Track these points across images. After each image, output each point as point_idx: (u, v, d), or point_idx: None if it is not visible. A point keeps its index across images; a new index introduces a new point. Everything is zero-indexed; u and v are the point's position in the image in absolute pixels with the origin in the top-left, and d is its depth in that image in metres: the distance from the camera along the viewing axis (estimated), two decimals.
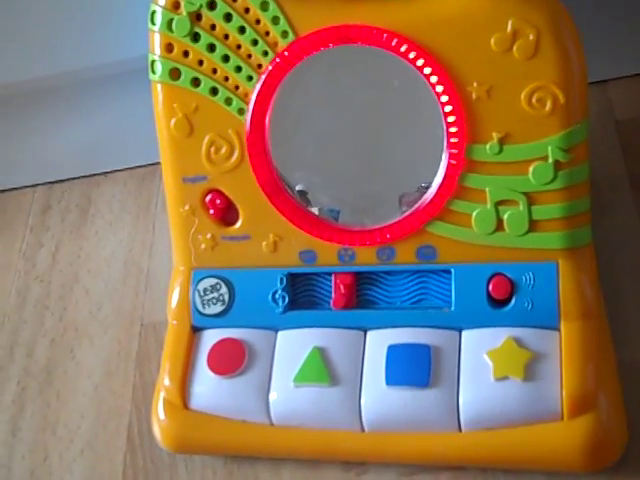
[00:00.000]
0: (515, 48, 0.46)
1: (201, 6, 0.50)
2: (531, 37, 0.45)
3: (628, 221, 0.56)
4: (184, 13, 0.50)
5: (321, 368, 0.51)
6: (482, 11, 0.46)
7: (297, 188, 0.53)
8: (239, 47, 0.50)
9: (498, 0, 0.46)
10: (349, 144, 0.52)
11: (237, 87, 0.51)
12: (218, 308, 0.54)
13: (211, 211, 0.53)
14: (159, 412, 0.54)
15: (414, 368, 0.49)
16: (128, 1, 0.58)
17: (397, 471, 0.52)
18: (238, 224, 0.53)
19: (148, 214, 0.69)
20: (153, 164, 0.70)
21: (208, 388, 0.53)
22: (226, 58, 0.50)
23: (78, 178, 0.73)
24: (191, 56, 0.51)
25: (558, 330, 0.48)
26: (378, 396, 0.49)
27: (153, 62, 0.52)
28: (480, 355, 0.49)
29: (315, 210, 0.52)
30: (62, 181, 0.73)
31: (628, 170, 0.59)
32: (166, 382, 0.53)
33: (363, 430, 0.50)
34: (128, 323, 0.63)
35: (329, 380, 0.50)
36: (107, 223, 0.70)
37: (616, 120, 0.61)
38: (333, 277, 0.52)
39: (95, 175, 0.72)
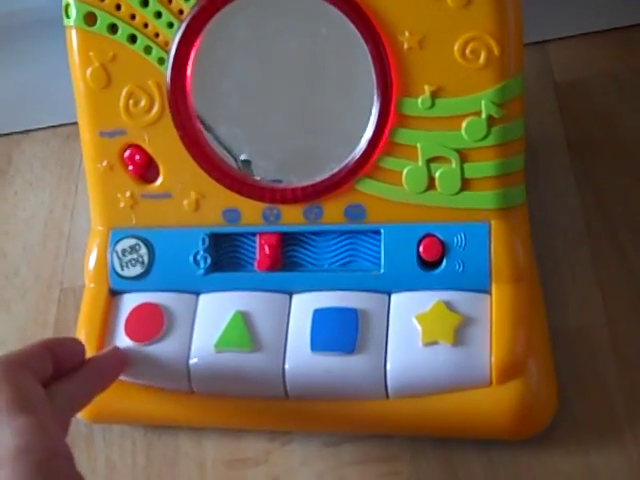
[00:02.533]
0: None
1: None
2: None
3: (564, 184, 0.55)
4: None
5: (243, 333, 0.48)
6: None
7: (241, 157, 0.50)
8: None
9: None
10: (275, 96, 0.49)
11: (157, 34, 0.48)
12: (137, 270, 0.51)
13: (130, 167, 0.50)
14: None
15: (340, 333, 0.47)
16: None
17: (322, 441, 0.50)
18: (158, 181, 0.50)
19: (71, 175, 0.66)
20: (77, 122, 0.66)
21: (127, 356, 0.50)
22: (145, 2, 0.47)
23: None
24: (108, 0, 0.48)
25: (489, 293, 0.46)
26: (303, 362, 0.47)
27: (67, 5, 0.49)
28: (409, 319, 0.46)
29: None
30: None
31: (566, 133, 0.57)
32: None
33: (287, 397, 0.48)
34: (46, 288, 0.61)
35: (252, 345, 0.48)
36: (27, 183, 0.66)
37: (555, 82, 0.60)
38: (258, 238, 0.50)
39: (15, 133, 0.69)
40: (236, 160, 0.50)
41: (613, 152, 0.56)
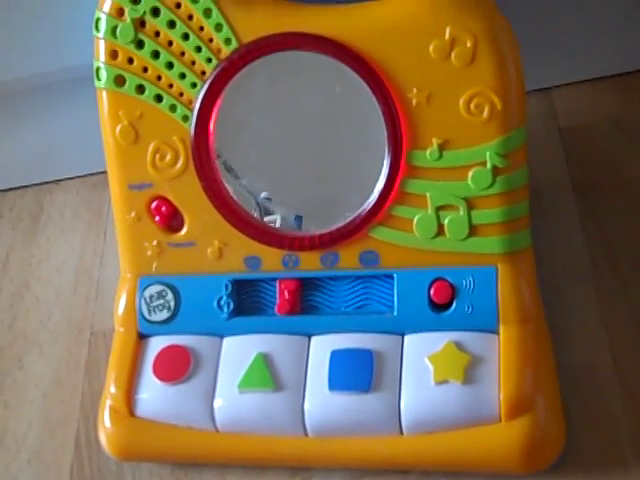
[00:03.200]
0: (453, 55, 0.46)
1: (145, 13, 0.50)
2: (468, 44, 0.46)
3: (570, 226, 0.57)
4: (128, 20, 0.50)
5: (265, 373, 0.51)
6: (421, 18, 0.47)
7: (262, 195, 0.53)
8: (183, 54, 0.50)
9: (436, 8, 0.47)
10: (293, 150, 0.52)
11: (181, 94, 0.51)
12: (164, 315, 0.54)
13: (157, 218, 0.53)
14: (105, 420, 0.54)
15: (356, 373, 0.49)
16: (76, 8, 0.58)
17: (342, 475, 0.52)
18: (183, 230, 0.53)
19: (100, 221, 0.69)
20: (105, 172, 0.69)
21: (154, 395, 0.52)
22: (170, 65, 0.51)
23: (30, 186, 0.72)
24: (135, 63, 0.51)
25: (497, 334, 0.49)
26: (321, 401, 0.50)
27: (98, 69, 0.52)
28: (421, 359, 0.49)
29: (278, 217, 0.53)
30: (13, 189, 0.72)
31: (570, 176, 0.59)
32: (112, 390, 0.53)
33: (307, 435, 0.50)
34: (78, 331, 0.63)
35: (273, 385, 0.50)
36: (59, 230, 0.69)
37: (560, 127, 0.62)
38: (278, 283, 0.52)
39: (47, 183, 0.72)
40: (256, 198, 0.53)
41: (617, 194, 0.58)
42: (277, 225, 0.52)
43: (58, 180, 0.72)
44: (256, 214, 0.53)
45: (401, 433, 0.49)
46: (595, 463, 0.49)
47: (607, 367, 0.51)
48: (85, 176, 0.72)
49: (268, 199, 0.53)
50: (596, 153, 0.60)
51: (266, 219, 0.53)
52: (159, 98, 0.51)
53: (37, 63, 0.62)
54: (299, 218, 0.52)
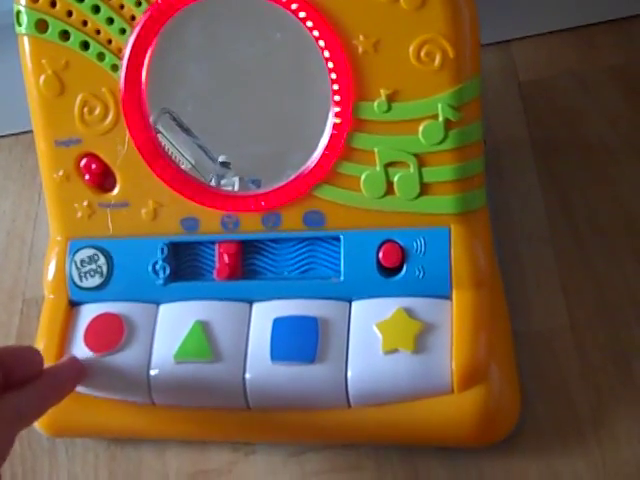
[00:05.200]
0: None
1: None
2: None
3: (528, 184, 0.54)
4: None
5: (203, 343, 0.48)
6: None
7: (220, 159, 0.50)
8: None
9: None
10: (230, 102, 0.49)
11: (109, 41, 0.47)
12: (96, 281, 0.51)
13: (87, 176, 0.50)
14: None
15: (300, 342, 0.46)
16: None
17: (287, 451, 0.49)
18: (115, 190, 0.50)
19: (34, 183, 0.65)
20: None
21: (86, 367, 0.49)
22: (96, 8, 0.47)
23: None
24: (59, 6, 0.47)
25: (450, 299, 0.46)
26: (263, 372, 0.47)
27: (18, 13, 0.48)
28: (369, 327, 0.46)
29: (236, 180, 0.49)
30: None
31: (530, 132, 0.57)
32: None
33: (248, 408, 0.47)
34: (9, 299, 0.60)
35: (212, 355, 0.47)
36: None
37: (519, 81, 0.59)
38: (216, 246, 0.49)
39: None
40: (214, 161, 0.50)
41: (577, 151, 0.55)
42: (235, 187, 0.49)
43: None
44: (213, 177, 0.49)
45: (348, 405, 0.46)
46: (552, 433, 0.47)
47: (565, 334, 0.49)
48: (18, 134, 0.68)
49: (226, 163, 0.50)
50: (555, 108, 0.57)
51: (223, 182, 0.50)
52: (85, 45, 0.47)
53: None
54: (257, 181, 0.49)
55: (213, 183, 0.50)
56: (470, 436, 0.45)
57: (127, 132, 0.48)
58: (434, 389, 0.45)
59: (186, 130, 0.49)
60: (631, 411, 0.46)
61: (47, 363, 0.49)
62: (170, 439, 0.51)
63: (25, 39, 0.48)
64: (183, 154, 0.50)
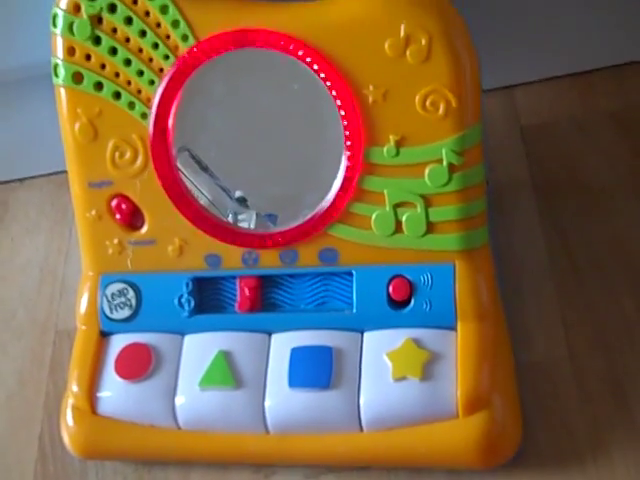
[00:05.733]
0: (408, 52, 0.47)
1: (102, 9, 0.50)
2: (423, 42, 0.46)
3: (530, 223, 0.58)
4: (85, 16, 0.50)
5: (226, 371, 0.51)
6: (376, 16, 0.47)
7: (237, 194, 0.53)
8: (140, 51, 0.50)
9: (391, 5, 0.47)
10: (252, 147, 0.52)
11: (140, 91, 0.51)
12: (126, 313, 0.54)
13: (117, 216, 0.53)
14: (68, 418, 0.54)
15: (316, 370, 0.50)
16: (34, 4, 0.58)
17: (304, 472, 0.52)
18: (144, 229, 0.53)
19: (65, 220, 0.69)
20: None
21: (116, 393, 0.53)
22: (128, 62, 0.51)
23: None
24: (93, 59, 0.51)
25: (455, 330, 0.49)
26: (281, 398, 0.50)
27: (56, 66, 0.52)
28: (380, 356, 0.49)
29: (253, 214, 0.53)
30: None
31: (531, 174, 0.60)
32: (74, 388, 0.53)
33: (268, 432, 0.51)
34: (42, 331, 0.63)
35: (234, 383, 0.51)
36: (23, 229, 0.69)
37: (521, 125, 0.63)
38: (238, 281, 0.53)
39: (11, 181, 0.72)
40: (231, 198, 0.53)
41: (575, 193, 0.59)
42: (252, 222, 0.52)
43: (22, 179, 0.72)
44: (230, 213, 0.53)
45: (361, 429, 0.49)
46: (551, 458, 0.49)
47: (564, 364, 0.52)
48: (50, 175, 0.72)
49: (243, 198, 0.53)
50: (556, 152, 0.61)
51: (240, 217, 0.53)
52: (117, 95, 0.51)
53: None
54: (274, 216, 0.52)
55: (231, 218, 0.53)
56: (474, 459, 0.48)
57: (155, 174, 0.52)
58: (440, 414, 0.48)
59: (204, 167, 0.53)
60: (627, 436, 0.49)
61: (80, 389, 0.52)
62: (194, 462, 0.53)
63: (62, 90, 0.52)
64: (201, 190, 0.53)
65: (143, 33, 0.50)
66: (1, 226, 0.70)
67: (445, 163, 0.48)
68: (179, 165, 0.52)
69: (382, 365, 0.49)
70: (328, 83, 0.48)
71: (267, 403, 0.50)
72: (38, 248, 0.68)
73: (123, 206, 0.53)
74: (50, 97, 0.56)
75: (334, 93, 0.48)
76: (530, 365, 0.52)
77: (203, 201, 0.53)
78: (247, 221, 0.53)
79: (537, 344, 0.53)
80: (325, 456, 0.51)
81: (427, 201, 0.49)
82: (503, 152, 0.61)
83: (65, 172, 0.69)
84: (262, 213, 0.53)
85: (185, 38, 0.49)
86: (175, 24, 0.49)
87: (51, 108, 0.58)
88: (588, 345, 0.52)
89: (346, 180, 0.49)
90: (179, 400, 0.51)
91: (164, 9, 0.49)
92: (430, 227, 0.49)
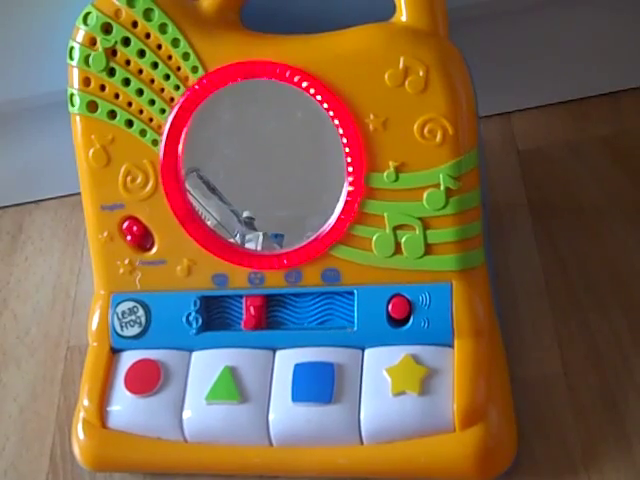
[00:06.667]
0: (407, 83, 0.49)
1: (116, 42, 0.53)
2: (421, 73, 0.49)
3: (526, 244, 0.60)
4: (100, 49, 0.53)
5: (231, 386, 0.53)
6: (376, 49, 0.49)
7: (244, 215, 0.55)
8: (152, 81, 0.53)
9: (391, 39, 0.49)
10: (257, 172, 0.55)
11: (151, 119, 0.53)
12: (135, 330, 0.56)
13: (128, 237, 0.56)
14: (78, 432, 0.56)
15: (319, 385, 0.52)
16: (52, 38, 0.60)
17: None
18: (154, 250, 0.55)
19: (77, 241, 0.71)
20: None
21: (125, 407, 0.55)
22: (140, 92, 0.53)
23: (10, 206, 0.75)
24: (107, 90, 0.53)
25: (452, 347, 0.51)
26: (285, 412, 0.52)
27: (72, 95, 0.54)
28: (380, 372, 0.51)
29: (260, 235, 0.55)
30: None
31: (527, 196, 0.62)
32: (85, 402, 0.55)
33: (271, 445, 0.53)
34: (54, 347, 0.65)
35: (239, 397, 0.53)
36: (37, 250, 0.71)
37: (518, 150, 0.65)
38: (244, 299, 0.55)
39: (27, 203, 0.74)
40: (238, 217, 0.55)
41: (569, 215, 0.61)
42: (259, 242, 0.55)
43: (37, 201, 0.74)
44: (238, 234, 0.55)
45: (361, 442, 0.51)
46: (547, 471, 0.51)
47: (558, 379, 0.54)
48: (63, 197, 0.74)
49: (250, 218, 0.55)
50: (551, 176, 0.63)
51: (248, 237, 0.55)
52: (130, 123, 0.54)
53: (15, 89, 0.64)
54: (280, 236, 0.55)
55: (238, 238, 0.55)
56: (471, 471, 0.50)
57: (165, 198, 0.54)
58: (438, 428, 0.50)
59: (212, 189, 0.55)
60: (619, 450, 0.51)
61: (91, 404, 0.54)
62: (201, 473, 0.55)
63: (77, 118, 0.54)
64: (209, 211, 0.55)
65: (155, 65, 0.52)
66: (16, 246, 0.72)
67: (442, 188, 0.50)
68: (188, 187, 0.54)
69: (382, 380, 0.51)
70: (331, 112, 0.50)
71: (271, 417, 0.52)
72: (51, 267, 0.70)
73: (134, 228, 0.55)
74: (63, 123, 0.59)
75: (337, 122, 0.50)
76: (526, 380, 0.54)
77: (211, 222, 0.55)
78: (254, 241, 0.55)
79: (532, 360, 0.55)
80: (326, 468, 0.52)
81: (425, 224, 0.51)
82: (501, 175, 0.63)
83: (77, 194, 0.72)
84: (269, 232, 0.55)
85: (195, 69, 0.52)
86: (185, 56, 0.52)
87: (64, 134, 0.61)
88: (581, 360, 0.54)
89: (348, 204, 0.51)
90: (186, 414, 0.53)
91: (175, 42, 0.52)
92: (428, 248, 0.51)
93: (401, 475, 0.51)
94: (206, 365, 0.54)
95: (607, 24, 0.63)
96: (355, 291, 0.53)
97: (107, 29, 0.53)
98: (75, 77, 0.54)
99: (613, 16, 0.63)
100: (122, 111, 0.53)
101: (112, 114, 0.54)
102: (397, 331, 0.52)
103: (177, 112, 0.53)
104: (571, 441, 0.52)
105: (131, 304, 0.56)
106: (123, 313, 0.56)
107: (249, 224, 0.55)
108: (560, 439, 0.52)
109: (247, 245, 0.55)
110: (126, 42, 0.53)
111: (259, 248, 0.54)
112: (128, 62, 0.53)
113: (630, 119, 0.64)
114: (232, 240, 0.55)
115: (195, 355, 0.55)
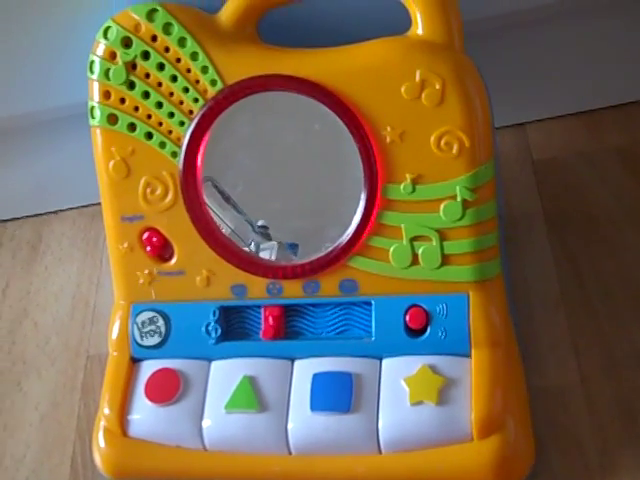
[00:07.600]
0: (423, 96, 0.50)
1: (136, 56, 0.53)
2: (437, 86, 0.49)
3: (542, 254, 0.60)
4: (120, 63, 0.54)
5: (250, 395, 0.54)
6: (393, 63, 0.50)
7: (259, 223, 0.56)
8: (172, 94, 0.53)
9: (407, 52, 0.50)
10: (276, 183, 0.55)
11: (170, 132, 0.54)
12: (155, 340, 0.57)
13: (148, 248, 0.56)
14: (99, 440, 0.56)
15: (337, 394, 0.52)
16: (73, 51, 0.61)
17: None
18: (173, 260, 0.56)
19: (96, 250, 0.72)
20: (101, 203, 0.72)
21: (145, 416, 0.55)
22: (160, 105, 0.54)
23: (29, 217, 0.75)
24: (127, 103, 0.54)
25: (469, 357, 0.52)
26: (303, 421, 0.52)
27: (92, 108, 0.55)
28: (398, 382, 0.52)
29: (275, 244, 0.55)
30: (14, 219, 0.76)
31: (543, 206, 0.62)
32: (106, 411, 0.56)
33: (290, 454, 0.53)
34: (74, 355, 0.66)
35: (258, 406, 0.53)
36: (57, 259, 0.72)
37: (533, 160, 0.65)
38: (262, 310, 0.55)
39: (46, 214, 0.75)
40: (253, 226, 0.56)
41: (585, 223, 0.61)
42: (274, 252, 0.55)
43: (57, 211, 0.75)
44: (253, 243, 0.55)
45: (379, 451, 0.52)
46: (563, 479, 0.51)
47: (575, 388, 0.54)
48: (82, 207, 0.75)
49: (265, 227, 0.56)
50: (566, 186, 0.64)
51: (262, 246, 0.55)
52: (149, 135, 0.54)
53: (33, 102, 0.65)
54: (295, 246, 0.55)
55: (253, 247, 0.55)
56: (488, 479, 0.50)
57: (184, 209, 0.55)
58: (455, 437, 0.50)
59: (227, 198, 0.55)
60: (636, 458, 0.51)
61: (112, 412, 0.55)
62: None
63: (98, 130, 0.55)
64: (224, 220, 0.56)
65: (174, 78, 0.53)
66: (36, 256, 0.73)
67: (459, 199, 0.51)
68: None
69: (400, 390, 0.51)
70: (348, 124, 0.51)
71: (290, 426, 0.53)
72: (71, 277, 0.71)
73: (154, 239, 0.56)
74: (81, 135, 0.60)
75: (354, 134, 0.51)
76: (543, 390, 0.54)
77: (225, 230, 0.55)
78: (269, 251, 0.55)
79: (549, 370, 0.55)
80: (345, 476, 0.53)
81: (442, 235, 0.51)
82: (516, 185, 0.63)
83: (96, 204, 0.73)
84: (284, 242, 0.55)
85: (214, 83, 0.52)
86: (204, 70, 0.52)
87: (83, 145, 0.62)
88: (598, 370, 0.55)
89: (365, 215, 0.52)
90: (206, 423, 0.54)
91: (194, 56, 0.52)
92: (445, 259, 0.52)
93: None
94: (225, 374, 0.55)
95: (621, 35, 0.64)
96: (373, 301, 0.53)
97: (127, 43, 0.53)
98: (95, 90, 0.54)
99: (627, 27, 0.63)
100: (142, 123, 0.54)
101: (132, 126, 0.54)
102: (414, 341, 0.52)
103: (196, 124, 0.53)
104: (588, 451, 0.52)
105: (151, 314, 0.57)
106: (143, 323, 0.57)
107: (264, 234, 0.55)
108: (577, 448, 0.52)
109: (262, 254, 0.55)
110: (146, 56, 0.53)
111: (274, 257, 0.55)
112: (148, 75, 0.54)
113: None
114: (249, 250, 0.55)
115: (214, 365, 0.56)
